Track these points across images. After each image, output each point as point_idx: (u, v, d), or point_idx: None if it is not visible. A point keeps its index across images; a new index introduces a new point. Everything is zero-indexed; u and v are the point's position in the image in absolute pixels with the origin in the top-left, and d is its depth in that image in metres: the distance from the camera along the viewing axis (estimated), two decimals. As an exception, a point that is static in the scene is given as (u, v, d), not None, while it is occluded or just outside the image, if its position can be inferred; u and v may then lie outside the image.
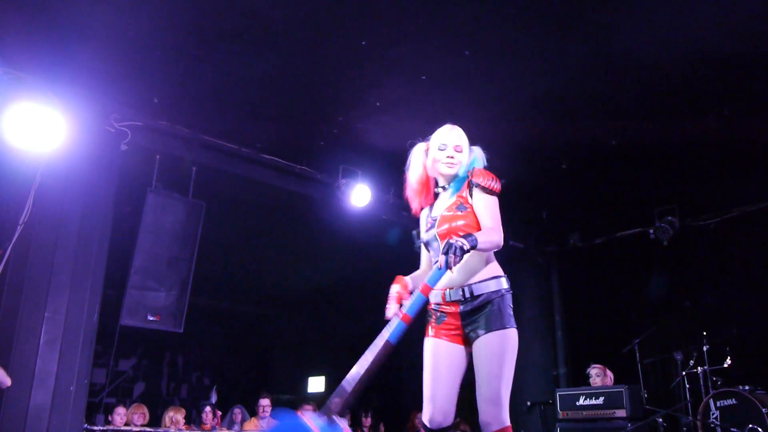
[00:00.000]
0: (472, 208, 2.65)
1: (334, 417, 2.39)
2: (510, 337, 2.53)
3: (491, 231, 2.56)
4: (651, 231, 7.08)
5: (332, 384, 11.03)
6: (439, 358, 2.60)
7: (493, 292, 2.55)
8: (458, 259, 2.32)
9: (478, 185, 2.65)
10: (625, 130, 5.49)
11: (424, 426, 2.61)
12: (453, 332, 2.59)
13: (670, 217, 6.90)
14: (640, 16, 4.06)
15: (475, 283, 2.56)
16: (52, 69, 4.55)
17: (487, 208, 2.64)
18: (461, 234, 2.47)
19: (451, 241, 2.35)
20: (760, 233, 6.93)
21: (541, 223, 7.56)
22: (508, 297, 2.60)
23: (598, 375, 6.65)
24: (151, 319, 5.10)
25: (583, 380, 6.82)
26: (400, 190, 6.31)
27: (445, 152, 2.76)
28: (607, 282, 8.09)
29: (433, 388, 2.58)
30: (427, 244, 2.75)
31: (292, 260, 8.94)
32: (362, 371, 2.46)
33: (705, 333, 6.54)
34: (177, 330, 5.25)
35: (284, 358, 11.94)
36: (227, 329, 11.86)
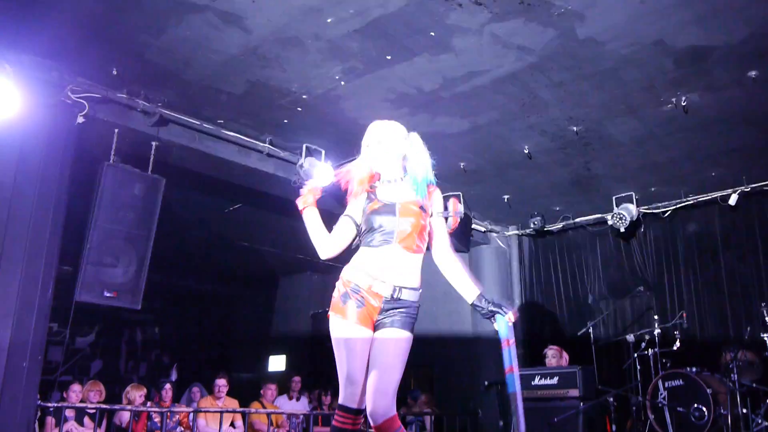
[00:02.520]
0: (429, 216, 2.82)
1: None
2: (409, 341, 2.71)
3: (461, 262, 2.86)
4: (609, 217, 7.23)
5: (292, 363, 11.06)
6: (361, 343, 2.66)
7: (414, 301, 2.73)
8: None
9: (440, 213, 2.86)
10: (587, 116, 5.58)
11: (348, 409, 2.64)
12: (368, 319, 2.67)
13: (627, 204, 7.05)
14: (604, 3, 4.10)
15: (405, 287, 2.70)
16: (3, 35, 4.40)
17: (445, 233, 2.88)
18: (424, 234, 2.77)
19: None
20: (712, 222, 7.14)
21: (503, 207, 7.65)
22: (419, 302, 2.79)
23: (554, 356, 6.81)
24: (108, 295, 5.02)
25: (540, 361, 6.98)
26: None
27: (369, 148, 2.88)
28: (565, 266, 8.25)
29: (359, 370, 2.63)
30: (371, 218, 2.77)
31: (252, 238, 8.89)
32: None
33: (656, 317, 6.74)
34: (135, 307, 5.19)
35: (245, 337, 11.90)
36: (187, 307, 11.77)
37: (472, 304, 2.80)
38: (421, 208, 2.77)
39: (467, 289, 2.82)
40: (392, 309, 2.67)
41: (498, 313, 2.77)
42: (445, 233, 2.85)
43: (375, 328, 2.68)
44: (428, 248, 2.85)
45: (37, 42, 4.52)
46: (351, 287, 2.69)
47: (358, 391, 2.62)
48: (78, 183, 4.93)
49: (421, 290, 2.76)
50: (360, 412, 2.63)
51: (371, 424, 2.59)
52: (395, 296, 2.67)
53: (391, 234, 2.71)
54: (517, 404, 2.68)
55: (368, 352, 2.66)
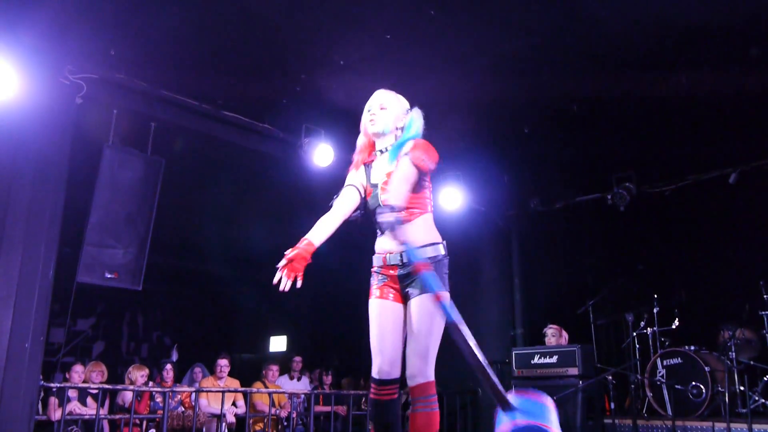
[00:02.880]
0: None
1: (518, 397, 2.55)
2: (437, 299, 2.63)
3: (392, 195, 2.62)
4: (609, 196, 7.23)
5: (293, 343, 11.12)
6: (384, 316, 2.78)
7: (429, 258, 2.69)
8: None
9: (407, 155, 2.73)
10: (586, 95, 5.55)
11: (374, 380, 2.75)
12: (393, 292, 2.79)
13: (627, 184, 7.05)
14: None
15: (413, 250, 2.66)
16: (1, 17, 4.37)
17: (399, 172, 2.69)
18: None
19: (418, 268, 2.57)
20: (711, 201, 7.14)
21: (503, 187, 7.64)
22: (444, 262, 2.77)
23: (554, 335, 6.84)
24: (109, 276, 5.04)
25: (540, 341, 7.02)
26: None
27: (370, 112, 2.92)
28: (564, 245, 8.26)
29: (381, 342, 2.75)
30: (366, 206, 2.89)
31: (253, 219, 8.88)
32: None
33: (656, 296, 6.78)
34: (135, 288, 5.20)
35: (245, 318, 11.95)
36: (189, 289, 11.79)
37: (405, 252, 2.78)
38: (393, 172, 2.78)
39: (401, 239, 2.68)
40: (408, 274, 2.73)
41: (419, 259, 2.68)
42: (402, 172, 2.69)
43: (404, 299, 2.78)
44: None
45: (34, 22, 4.48)
46: (374, 269, 2.86)
47: (379, 361, 2.72)
48: (77, 164, 4.92)
49: (434, 243, 2.74)
50: (384, 382, 2.71)
51: (408, 385, 2.70)
52: (404, 262, 2.73)
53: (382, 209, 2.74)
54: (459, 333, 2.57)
55: (393, 323, 2.75)
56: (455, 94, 5.59)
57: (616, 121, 6.04)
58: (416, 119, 2.93)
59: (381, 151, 2.92)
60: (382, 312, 2.78)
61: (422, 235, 2.73)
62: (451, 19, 4.48)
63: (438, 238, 2.79)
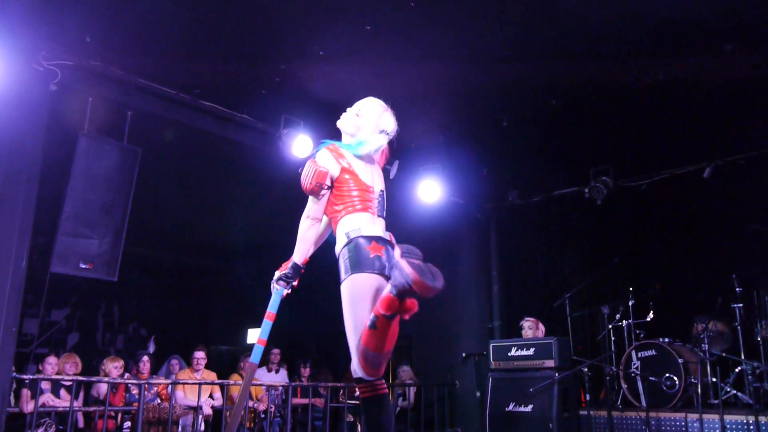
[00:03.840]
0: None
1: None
2: (343, 288, 2.75)
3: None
4: (586, 190, 7.28)
5: (271, 335, 11.06)
6: None
7: (338, 254, 2.82)
8: (279, 285, 2.94)
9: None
10: (564, 89, 5.59)
11: None
12: None
13: (604, 177, 7.11)
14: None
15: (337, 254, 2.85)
16: (-28, 0, 4.27)
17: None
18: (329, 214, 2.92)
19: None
20: (686, 195, 7.24)
21: (481, 180, 7.67)
22: (349, 247, 2.76)
23: (531, 328, 6.90)
24: (84, 266, 4.96)
25: (517, 333, 7.08)
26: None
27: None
28: (542, 238, 8.33)
29: None
30: None
31: (230, 210, 8.82)
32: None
33: (631, 289, 6.87)
34: (111, 278, 5.13)
35: (223, 309, 11.89)
36: (165, 279, 11.68)
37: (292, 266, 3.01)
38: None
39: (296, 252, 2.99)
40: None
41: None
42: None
43: None
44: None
45: (8, 6, 4.39)
46: None
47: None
48: (52, 153, 4.83)
49: (338, 240, 2.84)
50: (359, 380, 2.80)
51: None
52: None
53: None
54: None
55: None
56: (434, 86, 5.59)
57: (593, 114, 6.08)
58: (368, 120, 3.12)
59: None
60: None
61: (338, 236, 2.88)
62: (430, 11, 4.47)
63: (345, 229, 2.83)
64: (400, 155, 6.70)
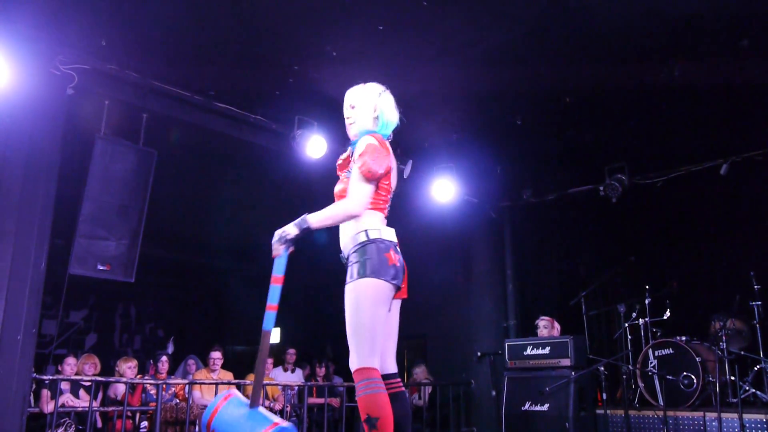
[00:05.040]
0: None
1: None
2: (352, 288, 2.66)
3: (340, 203, 2.73)
4: (601, 188, 7.24)
5: (287, 335, 11.12)
6: None
7: (355, 247, 2.71)
8: (283, 247, 2.66)
9: (356, 162, 2.74)
10: (579, 87, 5.56)
11: None
12: None
13: (619, 175, 7.06)
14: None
15: (346, 247, 2.77)
16: (-9, 6, 4.33)
17: (351, 181, 2.76)
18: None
19: (277, 230, 2.68)
20: (702, 192, 7.17)
21: (495, 179, 7.65)
22: (368, 248, 2.68)
23: (546, 327, 6.87)
24: (101, 268, 5.02)
25: (532, 332, 7.05)
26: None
27: (345, 113, 2.95)
28: (557, 237, 8.29)
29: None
30: None
31: (245, 211, 8.87)
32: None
33: (647, 287, 6.81)
34: (128, 280, 5.19)
35: (239, 310, 11.95)
36: (181, 281, 11.77)
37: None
38: (348, 171, 2.82)
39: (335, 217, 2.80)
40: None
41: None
42: (351, 183, 2.74)
43: None
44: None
45: (25, 12, 4.44)
46: None
47: None
48: (69, 156, 4.89)
49: (360, 232, 2.72)
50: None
51: None
52: (345, 261, 2.80)
53: None
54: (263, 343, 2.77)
55: None
56: (447, 85, 5.58)
57: (608, 112, 6.05)
58: (384, 107, 2.92)
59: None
60: None
61: (351, 229, 2.76)
62: (443, 10, 4.47)
63: (364, 226, 2.74)
64: (414, 154, 6.70)
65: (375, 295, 2.64)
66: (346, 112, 2.92)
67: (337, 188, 2.86)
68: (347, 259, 2.75)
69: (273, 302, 2.72)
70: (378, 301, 2.64)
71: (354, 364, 2.61)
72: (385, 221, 2.84)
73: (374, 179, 2.70)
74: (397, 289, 2.72)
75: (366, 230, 2.71)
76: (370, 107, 2.89)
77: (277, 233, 2.70)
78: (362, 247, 2.69)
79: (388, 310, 2.73)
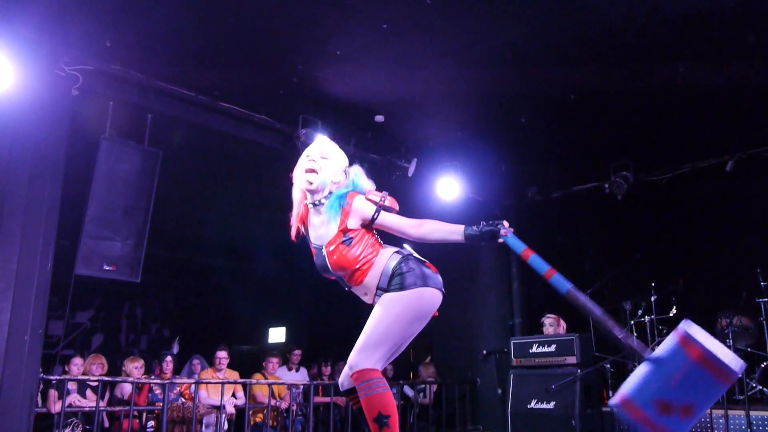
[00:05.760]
0: (357, 231, 2.70)
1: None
2: (404, 297, 2.61)
3: (420, 231, 2.68)
4: (606, 185, 7.23)
5: (293, 334, 11.14)
6: None
7: (392, 271, 2.66)
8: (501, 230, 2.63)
9: (374, 217, 2.69)
10: (583, 84, 5.54)
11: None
12: None
13: (624, 173, 7.05)
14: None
15: (382, 282, 2.68)
16: (-4, 8, 4.35)
17: (392, 219, 2.71)
18: (358, 265, 2.66)
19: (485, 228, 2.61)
20: (708, 189, 7.15)
21: (500, 177, 7.64)
22: (407, 262, 2.67)
23: (552, 324, 6.86)
24: (107, 268, 5.04)
25: (538, 330, 7.04)
26: (360, 140, 6.33)
27: (309, 158, 2.80)
28: (562, 235, 8.27)
29: None
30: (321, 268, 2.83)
31: (250, 210, 8.87)
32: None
33: (653, 284, 6.80)
34: (134, 280, 5.20)
35: (244, 309, 11.97)
36: (187, 280, 11.79)
37: (466, 236, 2.64)
38: (347, 240, 2.69)
39: (453, 231, 2.68)
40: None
41: (494, 228, 2.65)
42: (396, 221, 2.70)
43: None
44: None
45: (30, 14, 4.46)
46: None
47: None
48: (74, 156, 4.90)
49: (388, 262, 2.69)
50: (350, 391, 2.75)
51: None
52: (381, 295, 2.71)
53: (342, 280, 2.81)
54: (579, 297, 2.64)
55: None
56: (452, 83, 5.58)
57: (613, 109, 6.03)
58: (361, 175, 2.86)
59: (314, 204, 2.81)
60: None
61: (376, 268, 2.71)
62: (447, 9, 4.46)
63: (390, 253, 2.74)
64: (419, 153, 6.70)
65: (421, 308, 2.64)
66: (316, 162, 2.77)
67: (351, 256, 2.67)
68: (387, 286, 2.67)
69: (546, 268, 2.68)
70: (422, 315, 2.64)
71: (358, 364, 2.57)
72: None
73: (391, 209, 2.73)
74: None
75: (396, 251, 2.73)
76: (341, 167, 2.82)
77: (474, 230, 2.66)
78: (400, 263, 2.67)
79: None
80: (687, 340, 2.25)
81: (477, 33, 4.78)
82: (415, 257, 2.72)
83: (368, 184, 2.84)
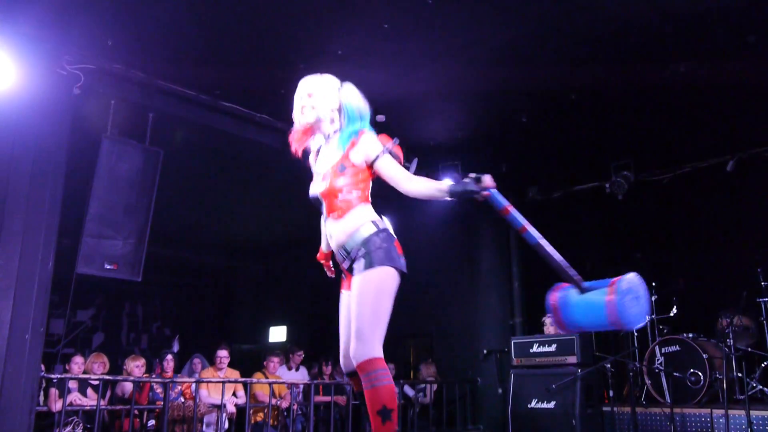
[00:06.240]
0: (355, 167, 2.74)
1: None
2: (374, 276, 2.60)
3: (411, 186, 2.69)
4: (607, 185, 7.23)
5: (293, 333, 11.14)
6: (342, 308, 2.80)
7: (363, 240, 2.66)
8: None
9: (377, 156, 2.73)
10: (584, 84, 5.55)
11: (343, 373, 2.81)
12: (347, 281, 2.78)
13: (625, 172, 7.05)
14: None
15: (349, 240, 2.70)
16: (-3, 6, 4.35)
17: (392, 170, 2.74)
18: (340, 195, 2.70)
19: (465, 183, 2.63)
20: (709, 189, 7.15)
21: (501, 176, 7.62)
22: (381, 237, 2.67)
23: (553, 324, 6.86)
24: (108, 267, 5.04)
25: (538, 329, 7.04)
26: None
27: (299, 101, 2.87)
28: (563, 234, 8.24)
29: (340, 334, 2.79)
30: (309, 191, 2.88)
31: (251, 209, 8.89)
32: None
33: (654, 284, 6.79)
34: (135, 278, 5.20)
35: (245, 308, 11.99)
36: (188, 279, 11.82)
37: (450, 193, 2.63)
38: (341, 166, 2.73)
39: (439, 188, 2.67)
40: (350, 264, 2.72)
41: (474, 189, 2.63)
42: (394, 170, 2.72)
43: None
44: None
45: (31, 13, 4.46)
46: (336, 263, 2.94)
47: (340, 354, 2.76)
48: (76, 155, 4.91)
49: (365, 223, 2.69)
50: (347, 374, 2.76)
51: None
52: (345, 256, 2.73)
53: (321, 206, 2.82)
54: (547, 251, 2.88)
55: (346, 316, 2.76)
56: (453, 83, 5.58)
57: (613, 109, 6.03)
58: (352, 97, 2.85)
59: (327, 137, 2.88)
60: (342, 304, 2.80)
61: (353, 221, 2.72)
62: (448, 8, 4.47)
63: (369, 217, 2.73)
64: (419, 152, 6.71)
65: (393, 286, 2.64)
66: (303, 99, 2.84)
67: (340, 182, 2.71)
68: (351, 251, 2.69)
69: (521, 223, 2.85)
70: (394, 291, 2.64)
71: (365, 353, 2.53)
72: None
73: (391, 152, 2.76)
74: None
75: (373, 221, 2.71)
76: (330, 94, 2.86)
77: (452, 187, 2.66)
78: (373, 236, 2.66)
79: None
80: (613, 288, 2.78)
81: (478, 32, 4.78)
82: (388, 233, 2.71)
83: (363, 106, 2.86)
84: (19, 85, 4.45)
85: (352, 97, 2.85)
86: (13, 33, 4.48)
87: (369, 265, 2.61)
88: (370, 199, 2.80)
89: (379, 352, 2.55)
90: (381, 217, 2.77)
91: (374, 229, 2.68)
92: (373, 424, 2.50)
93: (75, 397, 6.06)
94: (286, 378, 7.68)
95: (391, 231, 2.74)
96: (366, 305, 2.58)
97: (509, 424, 6.31)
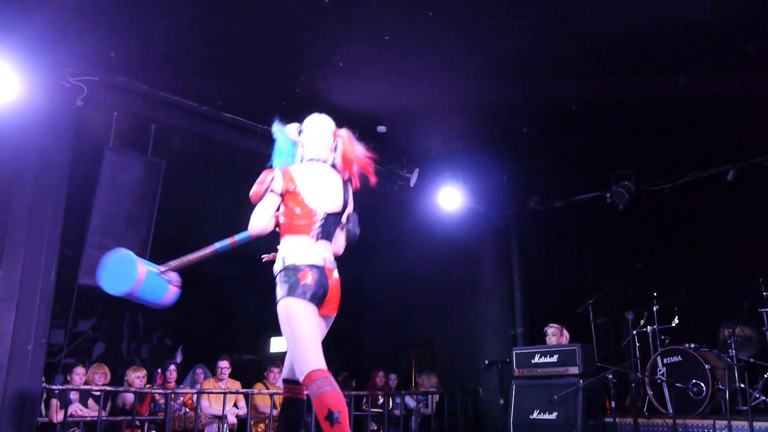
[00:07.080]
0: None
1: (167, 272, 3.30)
2: (281, 308, 2.96)
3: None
4: (608, 195, 7.24)
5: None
6: None
7: (275, 274, 3.05)
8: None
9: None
10: (584, 95, 5.57)
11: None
12: None
13: (626, 182, 7.06)
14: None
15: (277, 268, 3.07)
16: (1, 18, 4.38)
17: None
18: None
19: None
20: (710, 199, 7.16)
21: (502, 186, 7.66)
22: (284, 273, 2.99)
23: (554, 334, 6.85)
24: (111, 278, 5.03)
25: (540, 340, 7.03)
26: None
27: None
28: (564, 244, 8.28)
29: None
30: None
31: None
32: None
33: (655, 294, 6.79)
34: (137, 289, 5.20)
35: (246, 319, 11.96)
36: (189, 290, 11.72)
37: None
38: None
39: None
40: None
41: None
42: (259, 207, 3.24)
43: None
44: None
45: (35, 25, 4.49)
46: None
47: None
48: (78, 166, 4.93)
49: (278, 262, 3.05)
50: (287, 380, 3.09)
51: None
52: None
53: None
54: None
55: None
56: (454, 94, 5.61)
57: (614, 119, 6.05)
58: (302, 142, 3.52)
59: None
60: None
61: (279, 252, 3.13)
62: (449, 20, 4.50)
63: (283, 253, 3.09)
64: (421, 163, 6.73)
65: (296, 311, 2.90)
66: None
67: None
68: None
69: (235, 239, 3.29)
70: (301, 314, 2.89)
71: (301, 371, 2.78)
72: (315, 243, 3.03)
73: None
74: (318, 305, 2.93)
75: (283, 256, 3.01)
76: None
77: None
78: (280, 272, 2.99)
79: (315, 320, 2.95)
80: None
81: (479, 44, 4.81)
82: (292, 266, 2.96)
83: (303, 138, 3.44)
84: (23, 96, 4.48)
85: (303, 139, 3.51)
86: (17, 45, 4.51)
87: (277, 297, 2.96)
88: (298, 228, 3.07)
89: (314, 365, 2.76)
90: (300, 252, 3.00)
91: (281, 265, 2.99)
92: (324, 431, 2.65)
93: (76, 408, 6.05)
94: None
95: (301, 263, 2.96)
96: (286, 333, 2.92)
97: (511, 435, 6.29)
